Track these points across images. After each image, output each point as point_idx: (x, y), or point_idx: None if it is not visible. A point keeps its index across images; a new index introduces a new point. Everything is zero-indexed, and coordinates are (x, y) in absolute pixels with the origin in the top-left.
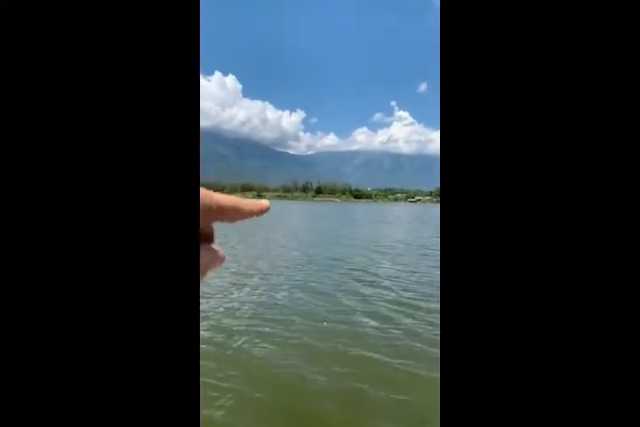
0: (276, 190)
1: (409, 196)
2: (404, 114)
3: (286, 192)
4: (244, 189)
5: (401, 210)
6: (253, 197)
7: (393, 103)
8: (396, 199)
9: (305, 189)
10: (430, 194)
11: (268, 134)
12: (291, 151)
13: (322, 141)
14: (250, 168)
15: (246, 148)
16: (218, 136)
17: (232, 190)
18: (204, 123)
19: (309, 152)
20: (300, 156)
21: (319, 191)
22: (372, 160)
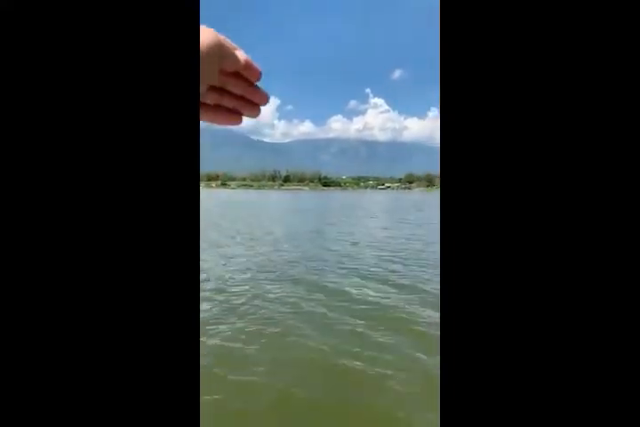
0: (243, 179)
1: (379, 183)
2: (379, 101)
3: (254, 181)
4: (210, 179)
5: (365, 197)
6: (217, 187)
7: (368, 90)
8: (367, 187)
9: (274, 178)
10: (399, 181)
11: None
12: (266, 139)
13: (297, 129)
14: (225, 157)
15: (220, 136)
16: None
17: None
18: None
19: (285, 140)
20: (276, 144)
21: (287, 180)
22: (348, 148)
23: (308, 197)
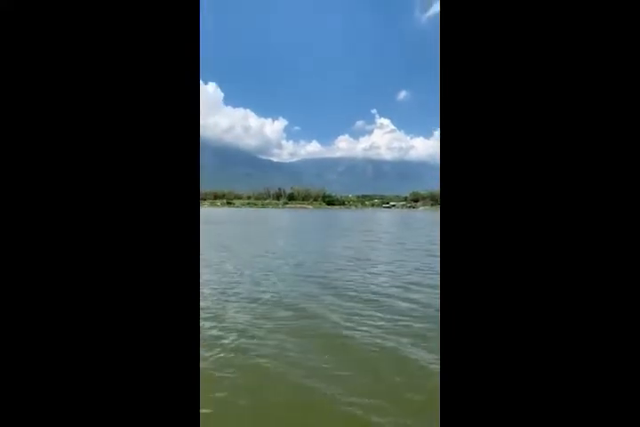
0: (248, 198)
1: (384, 201)
2: (385, 121)
3: (259, 199)
4: (216, 197)
5: (361, 216)
6: (222, 205)
7: (374, 111)
8: (372, 205)
9: (278, 197)
10: (405, 199)
11: (251, 142)
12: (274, 159)
13: (305, 149)
14: (233, 176)
15: (229, 155)
16: (201, 144)
17: (203, 198)
18: None
19: (293, 159)
20: (284, 163)
21: (292, 198)
22: (355, 167)
23: (299, 215)
